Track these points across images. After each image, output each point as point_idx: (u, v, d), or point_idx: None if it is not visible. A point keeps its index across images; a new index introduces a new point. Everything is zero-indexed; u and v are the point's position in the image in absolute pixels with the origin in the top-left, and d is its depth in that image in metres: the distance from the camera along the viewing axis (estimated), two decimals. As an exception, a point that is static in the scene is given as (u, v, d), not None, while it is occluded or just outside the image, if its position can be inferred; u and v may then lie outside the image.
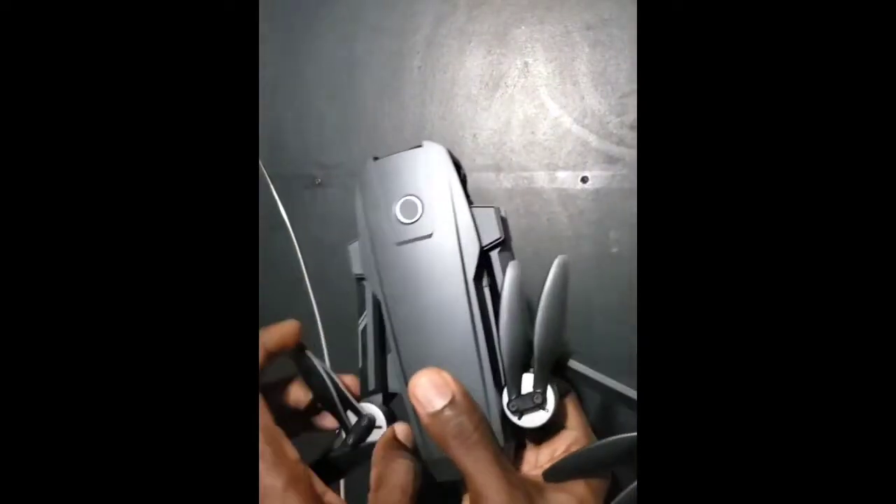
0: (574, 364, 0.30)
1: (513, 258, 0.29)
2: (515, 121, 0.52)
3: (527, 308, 0.28)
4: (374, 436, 0.30)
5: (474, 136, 0.52)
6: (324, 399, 0.31)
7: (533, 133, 0.51)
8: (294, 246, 0.54)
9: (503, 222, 0.30)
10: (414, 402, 0.27)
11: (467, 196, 0.30)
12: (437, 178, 0.29)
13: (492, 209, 0.29)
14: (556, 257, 0.28)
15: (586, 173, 0.50)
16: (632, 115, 0.49)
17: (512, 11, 0.52)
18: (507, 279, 0.28)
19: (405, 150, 0.30)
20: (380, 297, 0.30)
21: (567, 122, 0.51)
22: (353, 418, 0.31)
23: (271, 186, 0.55)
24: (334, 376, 0.31)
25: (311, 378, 0.30)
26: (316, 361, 0.30)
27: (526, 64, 0.52)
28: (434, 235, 0.29)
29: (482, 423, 0.27)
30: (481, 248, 0.29)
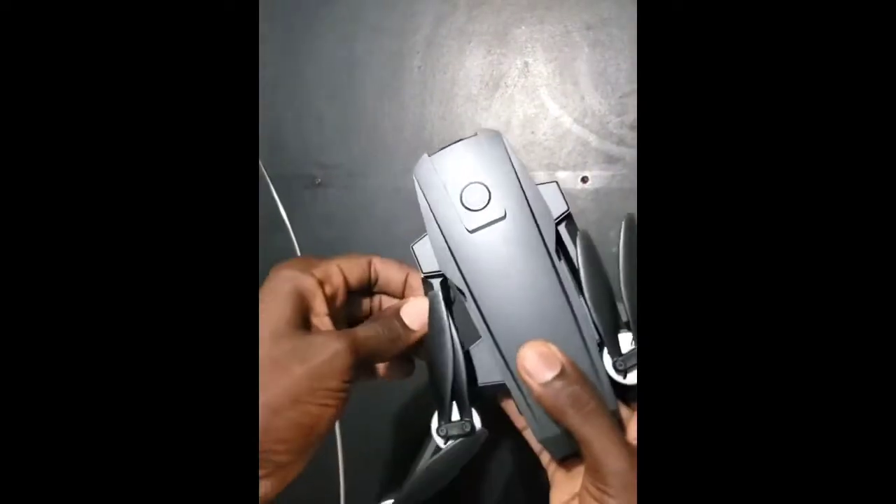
0: None
1: (577, 229, 0.30)
2: (515, 121, 0.52)
3: (605, 271, 0.29)
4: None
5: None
6: (439, 378, 0.29)
7: (533, 133, 0.51)
8: (294, 246, 0.54)
9: (563, 195, 0.30)
10: (524, 374, 0.28)
11: None
12: (500, 161, 0.30)
13: (554, 184, 0.30)
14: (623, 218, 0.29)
15: (586, 173, 0.50)
16: (632, 115, 0.49)
17: (512, 11, 0.52)
18: (581, 247, 0.29)
19: (455, 141, 0.30)
20: (461, 287, 0.30)
21: (567, 121, 0.51)
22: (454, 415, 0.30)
23: (271, 186, 0.55)
24: (461, 356, 0.30)
25: (438, 348, 0.29)
26: (451, 327, 0.29)
27: (526, 64, 0.52)
28: (507, 216, 0.29)
29: (595, 390, 0.27)
30: (555, 220, 0.29)
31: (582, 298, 0.29)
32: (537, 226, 0.29)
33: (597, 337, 0.29)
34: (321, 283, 0.30)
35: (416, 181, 0.30)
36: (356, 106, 0.54)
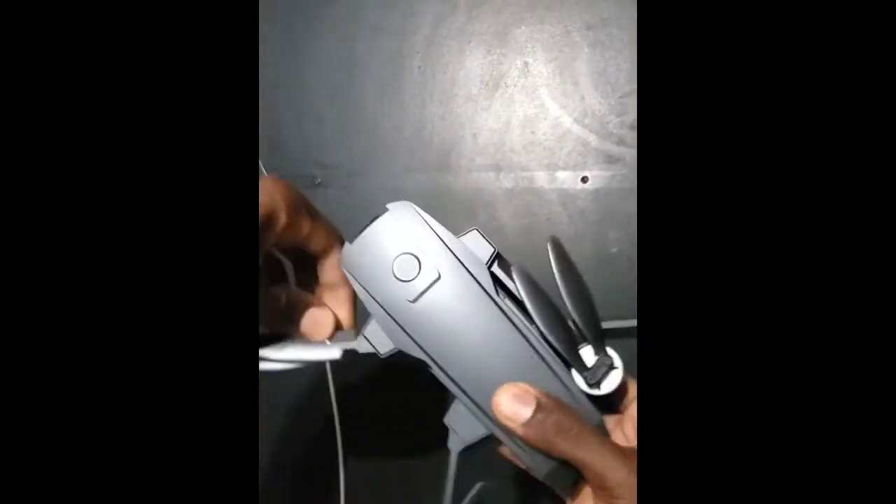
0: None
1: (510, 264, 0.31)
2: (515, 121, 0.52)
3: (547, 293, 0.30)
4: None
5: (474, 136, 0.52)
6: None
7: (533, 133, 0.51)
8: (294, 246, 0.54)
9: (486, 238, 0.31)
10: (502, 419, 0.28)
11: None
12: (417, 227, 0.30)
13: (474, 231, 0.31)
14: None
15: (586, 173, 0.50)
16: (632, 115, 0.49)
17: (512, 11, 0.52)
18: (517, 277, 0.29)
19: (370, 222, 0.31)
20: (423, 357, 0.30)
21: (567, 121, 0.51)
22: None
23: (271, 186, 0.55)
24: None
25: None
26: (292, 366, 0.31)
27: (526, 64, 0.52)
28: (442, 276, 0.30)
29: (575, 412, 0.28)
30: (485, 263, 0.30)
31: (535, 328, 0.29)
32: (472, 275, 0.30)
33: (559, 360, 0.29)
34: (291, 226, 0.30)
35: (346, 271, 0.31)
36: (356, 106, 0.54)
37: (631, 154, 0.49)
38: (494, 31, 0.52)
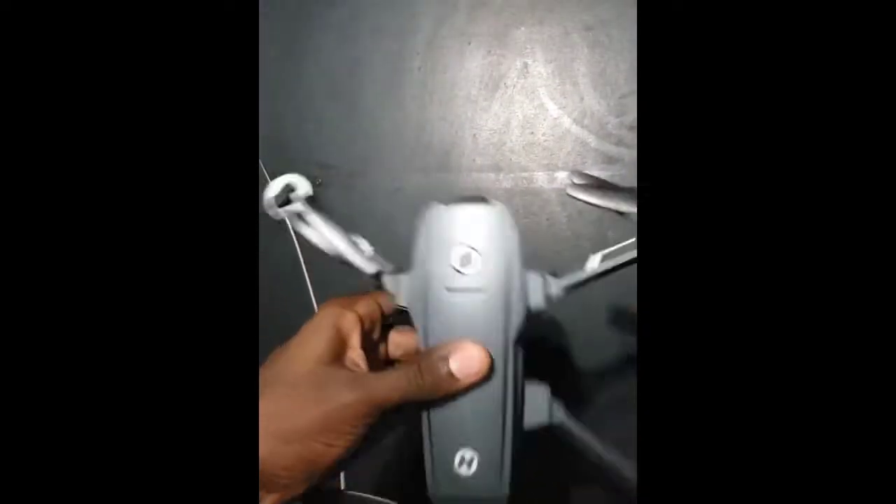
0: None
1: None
2: (515, 121, 0.52)
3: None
4: None
5: (474, 136, 0.53)
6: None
7: (532, 133, 0.51)
8: (294, 245, 0.54)
9: (548, 297, 0.31)
10: None
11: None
12: (498, 237, 0.30)
13: (541, 277, 0.30)
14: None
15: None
16: (630, 116, 0.49)
17: (511, 13, 0.52)
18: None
19: (467, 200, 0.31)
20: (420, 331, 0.30)
21: (566, 122, 0.51)
22: None
23: (271, 186, 0.55)
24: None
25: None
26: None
27: (525, 65, 0.52)
28: (484, 291, 0.30)
29: None
30: (527, 312, 0.30)
31: (518, 390, 0.30)
32: (506, 311, 0.30)
33: (515, 432, 0.30)
34: (361, 319, 0.31)
35: (422, 224, 0.31)
36: (356, 106, 0.55)
37: (630, 154, 0.49)
38: (494, 32, 0.52)
